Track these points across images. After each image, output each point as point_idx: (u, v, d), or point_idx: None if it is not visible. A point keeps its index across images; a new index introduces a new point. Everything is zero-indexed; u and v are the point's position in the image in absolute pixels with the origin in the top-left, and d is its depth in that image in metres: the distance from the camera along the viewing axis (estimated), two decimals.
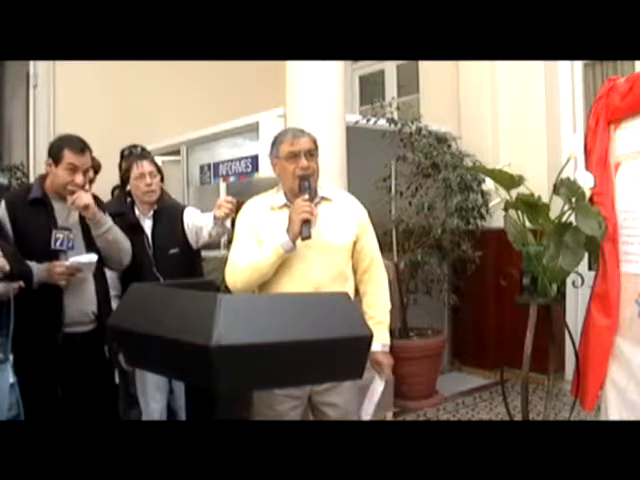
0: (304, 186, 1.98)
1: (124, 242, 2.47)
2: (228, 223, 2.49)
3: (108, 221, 2.39)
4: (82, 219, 2.39)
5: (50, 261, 2.24)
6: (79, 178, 2.30)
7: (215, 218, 2.46)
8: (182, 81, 5.08)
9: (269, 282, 2.00)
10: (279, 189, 2.10)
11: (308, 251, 1.96)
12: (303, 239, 1.91)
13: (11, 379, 2.00)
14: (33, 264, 2.20)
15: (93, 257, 2.33)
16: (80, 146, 2.31)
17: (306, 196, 1.95)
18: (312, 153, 2.03)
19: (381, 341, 2.09)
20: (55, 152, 2.32)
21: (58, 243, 2.29)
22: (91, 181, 2.53)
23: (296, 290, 1.94)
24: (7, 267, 1.95)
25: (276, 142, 2.07)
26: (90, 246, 2.37)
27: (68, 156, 2.28)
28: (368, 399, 2.10)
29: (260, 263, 1.95)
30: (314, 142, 2.07)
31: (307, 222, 1.89)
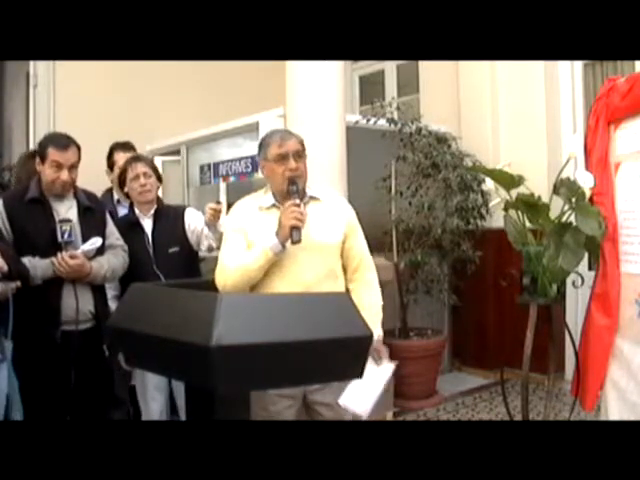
0: (292, 190, 1.99)
1: (117, 267, 2.47)
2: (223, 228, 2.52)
3: (100, 267, 2.38)
4: (80, 215, 2.40)
5: (54, 256, 2.25)
6: (64, 175, 2.32)
7: (206, 225, 2.50)
8: (182, 81, 5.07)
9: (260, 282, 2.00)
10: (267, 190, 2.11)
11: (299, 251, 1.97)
12: (294, 243, 1.92)
13: (9, 379, 2.01)
14: (37, 260, 2.21)
15: (97, 241, 2.36)
16: (63, 143, 2.32)
17: (297, 201, 1.96)
18: (300, 154, 2.04)
19: (376, 333, 2.06)
20: (41, 150, 2.34)
21: (66, 235, 2.30)
22: None
23: (287, 290, 1.95)
24: (5, 267, 1.96)
25: (263, 144, 2.07)
26: (89, 239, 2.39)
27: (52, 153, 2.30)
28: (376, 387, 2.03)
29: (249, 266, 1.96)
30: (301, 143, 2.07)
31: (297, 228, 1.91)
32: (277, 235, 1.93)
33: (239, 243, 2.03)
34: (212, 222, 2.44)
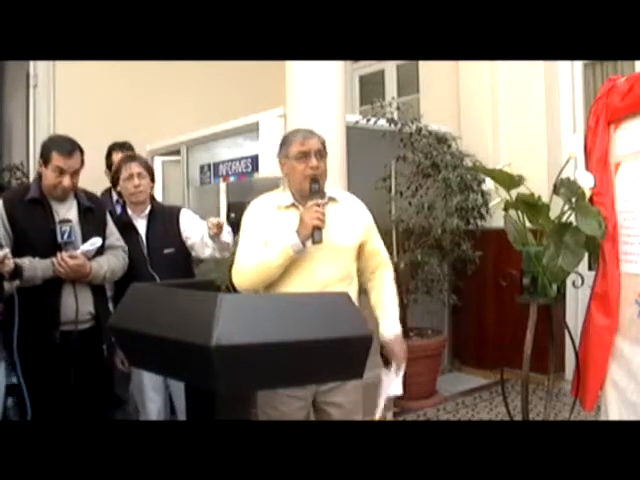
0: (314, 188, 1.97)
1: (117, 268, 2.48)
2: (228, 238, 2.53)
3: (100, 267, 2.38)
4: (80, 215, 2.40)
5: (54, 256, 2.25)
6: (66, 181, 2.31)
7: (211, 238, 2.52)
8: (182, 81, 5.07)
9: (276, 282, 1.99)
10: (285, 188, 2.09)
11: (316, 252, 1.96)
12: (314, 243, 1.91)
13: (6, 379, 2.01)
14: (37, 260, 2.21)
15: (97, 241, 2.36)
16: (68, 149, 2.31)
17: (319, 200, 1.95)
18: (321, 154, 2.04)
19: (393, 331, 2.11)
20: (44, 153, 2.33)
21: (66, 235, 2.30)
22: None
23: (303, 290, 1.94)
24: (13, 266, 1.98)
25: (285, 142, 2.07)
26: (89, 239, 2.38)
27: (55, 158, 2.29)
28: (382, 393, 2.09)
29: (268, 263, 1.94)
30: (323, 143, 2.08)
31: (319, 228, 1.91)
32: (298, 234, 1.92)
33: (256, 242, 2.01)
34: (216, 235, 2.47)
